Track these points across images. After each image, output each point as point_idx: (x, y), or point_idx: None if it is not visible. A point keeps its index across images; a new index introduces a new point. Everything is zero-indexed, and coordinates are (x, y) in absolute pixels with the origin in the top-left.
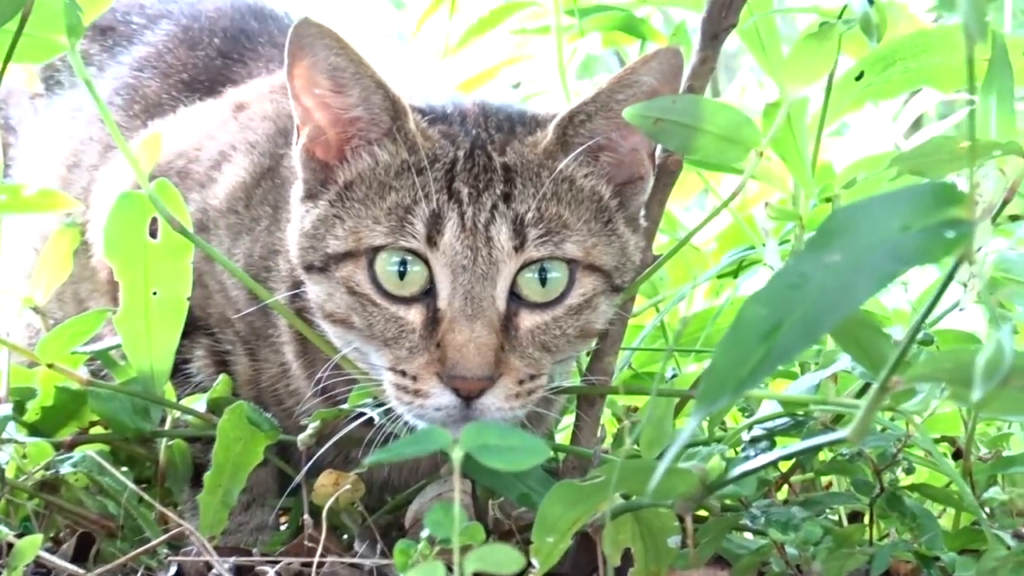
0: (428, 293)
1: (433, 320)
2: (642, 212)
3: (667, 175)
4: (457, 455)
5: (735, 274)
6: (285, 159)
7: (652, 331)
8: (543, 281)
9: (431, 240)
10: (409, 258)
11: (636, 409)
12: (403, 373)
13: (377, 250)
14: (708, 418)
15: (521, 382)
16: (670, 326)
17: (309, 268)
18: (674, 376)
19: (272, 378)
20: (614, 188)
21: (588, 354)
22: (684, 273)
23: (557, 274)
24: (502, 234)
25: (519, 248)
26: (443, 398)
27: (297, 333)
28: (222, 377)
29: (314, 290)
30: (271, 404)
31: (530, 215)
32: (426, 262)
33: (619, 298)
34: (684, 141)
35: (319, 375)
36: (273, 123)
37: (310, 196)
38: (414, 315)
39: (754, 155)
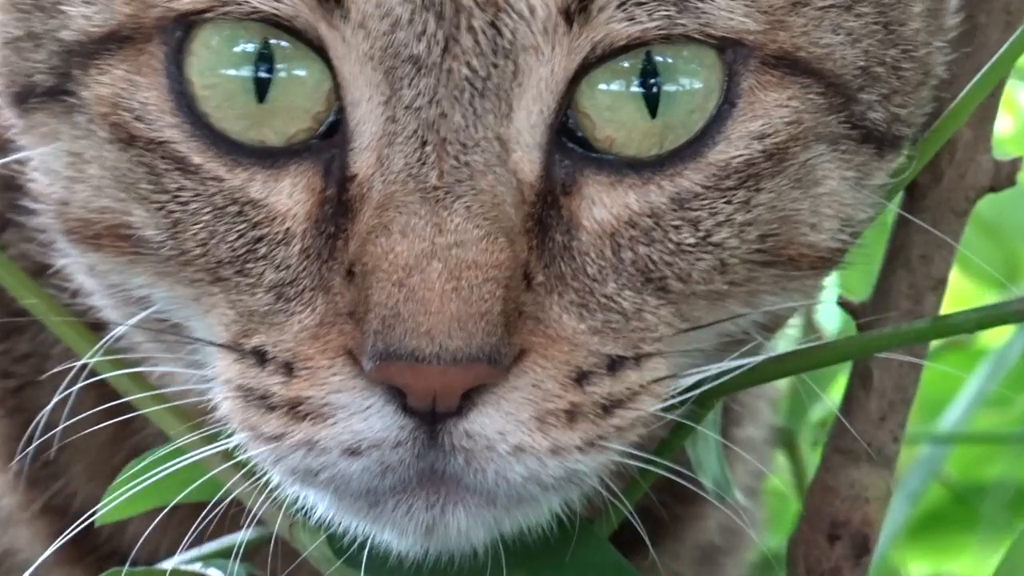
0: (329, 135)
1: (338, 205)
2: None
3: None
4: None
5: None
6: None
7: (1003, 382)
8: (652, 101)
9: None
10: (284, 43)
11: None
12: (260, 356)
13: (191, 24)
14: None
15: (580, 377)
16: None
17: (21, 98)
18: None
19: None
20: None
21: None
22: None
23: (692, 81)
24: None
25: (576, 13)
26: (367, 419)
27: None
28: None
29: (38, 155)
30: None
31: None
32: (321, 51)
33: (886, 174)
34: None
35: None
36: None
37: None
38: (290, 194)
39: None
